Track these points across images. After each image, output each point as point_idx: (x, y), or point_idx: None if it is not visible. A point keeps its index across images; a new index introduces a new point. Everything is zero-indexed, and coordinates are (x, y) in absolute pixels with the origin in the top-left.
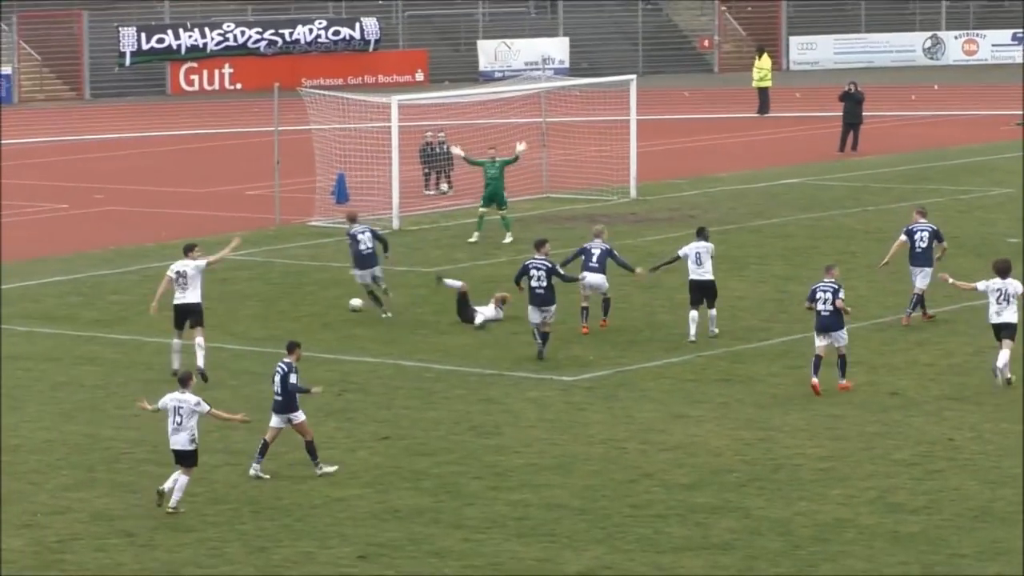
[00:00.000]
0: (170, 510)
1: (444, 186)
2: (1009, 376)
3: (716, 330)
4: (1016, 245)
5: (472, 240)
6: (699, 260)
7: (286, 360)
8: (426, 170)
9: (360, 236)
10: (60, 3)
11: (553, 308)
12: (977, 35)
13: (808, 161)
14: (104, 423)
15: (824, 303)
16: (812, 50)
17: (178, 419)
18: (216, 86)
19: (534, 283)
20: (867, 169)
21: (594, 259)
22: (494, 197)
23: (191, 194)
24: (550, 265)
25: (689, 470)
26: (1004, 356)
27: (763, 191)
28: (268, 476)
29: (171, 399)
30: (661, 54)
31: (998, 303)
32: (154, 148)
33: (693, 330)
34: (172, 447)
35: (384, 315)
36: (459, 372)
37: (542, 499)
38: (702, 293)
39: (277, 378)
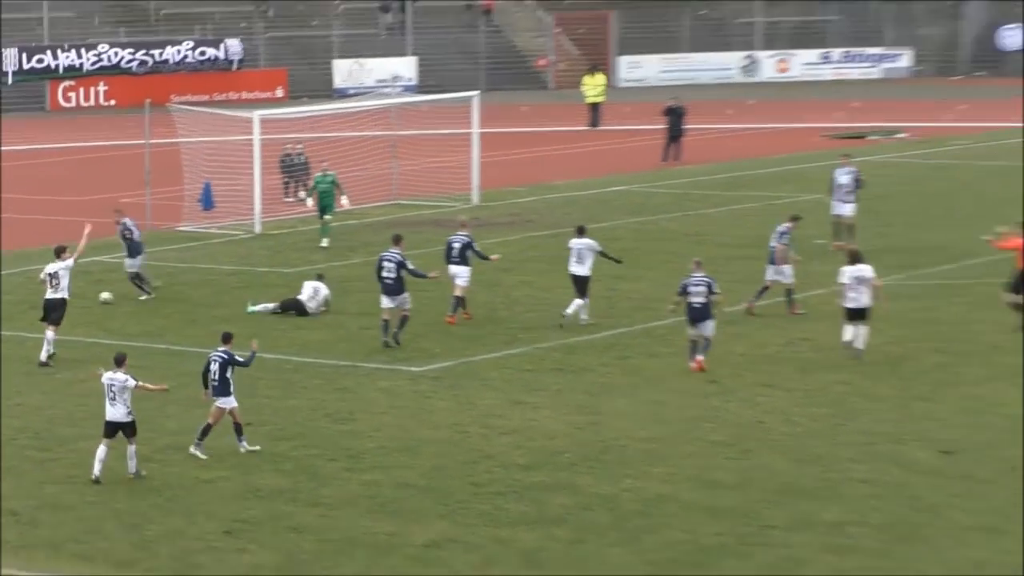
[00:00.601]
0: (131, 475)
1: (302, 194)
2: (862, 349)
3: (586, 318)
4: (823, 245)
5: (323, 245)
6: (580, 256)
7: (222, 349)
8: (285, 179)
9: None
10: None
11: (403, 296)
12: (789, 54)
13: (635, 170)
14: None
15: (696, 296)
16: (639, 68)
17: (112, 394)
18: (92, 102)
19: (385, 274)
20: (689, 177)
21: (455, 252)
22: (325, 207)
23: (70, 202)
24: (400, 259)
25: (526, 452)
26: (862, 335)
27: (594, 198)
28: (206, 457)
29: (107, 377)
30: (501, 72)
31: (854, 289)
32: (35, 160)
33: (570, 310)
34: (109, 419)
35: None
36: (316, 364)
37: (392, 479)
38: (577, 285)
39: (215, 366)
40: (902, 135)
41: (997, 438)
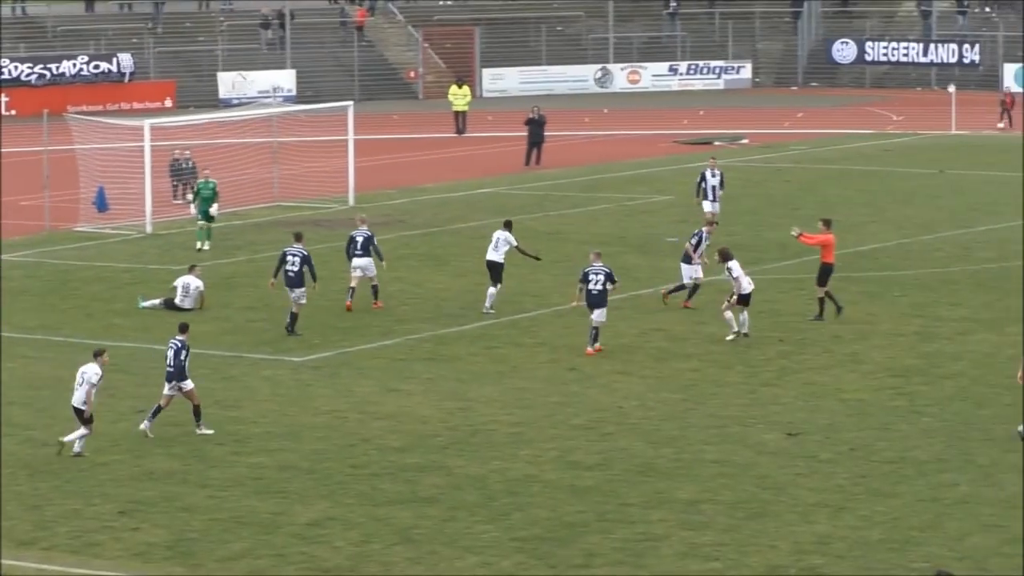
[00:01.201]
0: (74, 454)
1: (190, 196)
2: (747, 331)
3: (491, 308)
4: (674, 244)
5: (203, 248)
6: (496, 245)
7: (179, 338)
8: (174, 183)
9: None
10: None
11: (301, 291)
12: (640, 67)
13: (500, 174)
14: None
15: (595, 283)
16: (501, 80)
17: (80, 380)
18: None
19: (288, 267)
20: (549, 180)
21: (359, 245)
22: (206, 211)
23: None
24: (305, 254)
25: (400, 435)
26: (745, 317)
27: (462, 199)
28: (153, 436)
29: (84, 366)
30: (374, 83)
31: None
32: None
33: (488, 303)
34: (72, 403)
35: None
36: (205, 354)
37: (276, 462)
38: (492, 271)
39: (171, 352)
40: (744, 141)
41: (837, 421)
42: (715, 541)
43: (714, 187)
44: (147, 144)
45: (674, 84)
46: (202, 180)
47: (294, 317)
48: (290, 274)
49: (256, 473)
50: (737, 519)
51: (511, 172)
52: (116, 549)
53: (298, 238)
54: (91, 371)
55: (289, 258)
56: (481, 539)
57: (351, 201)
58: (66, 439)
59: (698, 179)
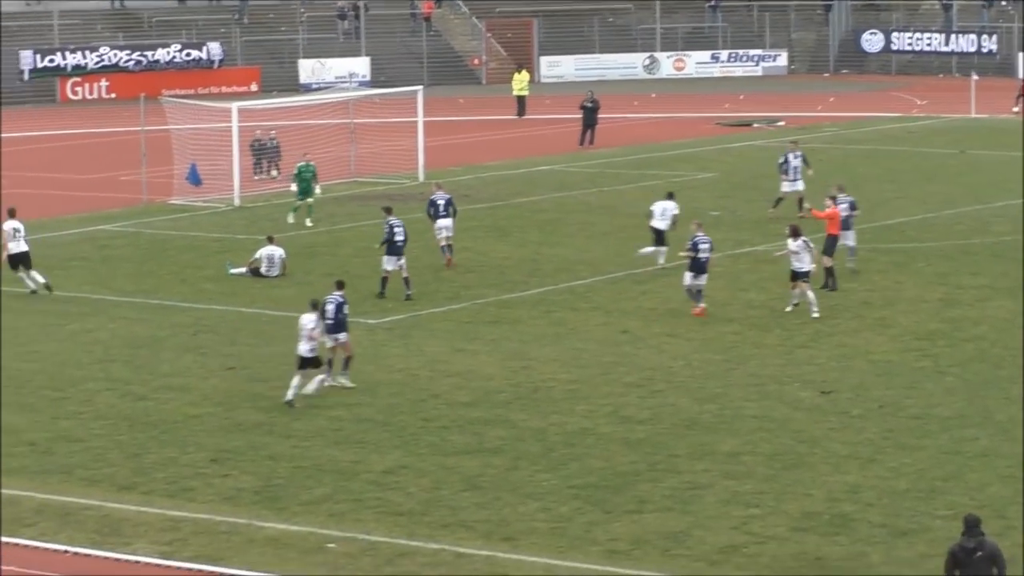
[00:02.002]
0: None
1: (275, 172)
2: (815, 312)
3: (663, 263)
4: (719, 216)
5: (308, 225)
6: (663, 213)
7: (337, 293)
8: (255, 160)
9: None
10: None
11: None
12: (684, 55)
13: (556, 153)
14: (11, 357)
15: (704, 251)
16: (558, 67)
17: (304, 333)
18: (96, 96)
19: (398, 237)
20: (601, 159)
21: (441, 208)
22: (307, 191)
23: (77, 179)
24: (401, 224)
25: (467, 391)
26: (811, 295)
27: (522, 176)
28: (340, 384)
29: (306, 319)
30: (441, 70)
31: (798, 256)
32: (47, 145)
33: (661, 260)
34: (299, 353)
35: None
36: (287, 317)
37: (353, 415)
38: (657, 236)
39: (331, 307)
40: (781, 123)
41: (867, 380)
42: (755, 489)
43: (796, 168)
44: (235, 125)
45: (716, 71)
46: (303, 163)
47: (407, 281)
48: (398, 243)
49: (335, 425)
50: (775, 469)
51: (567, 152)
52: (208, 494)
53: (388, 212)
54: (307, 320)
55: (396, 229)
56: (542, 486)
57: (421, 177)
58: (308, 390)
59: (780, 160)
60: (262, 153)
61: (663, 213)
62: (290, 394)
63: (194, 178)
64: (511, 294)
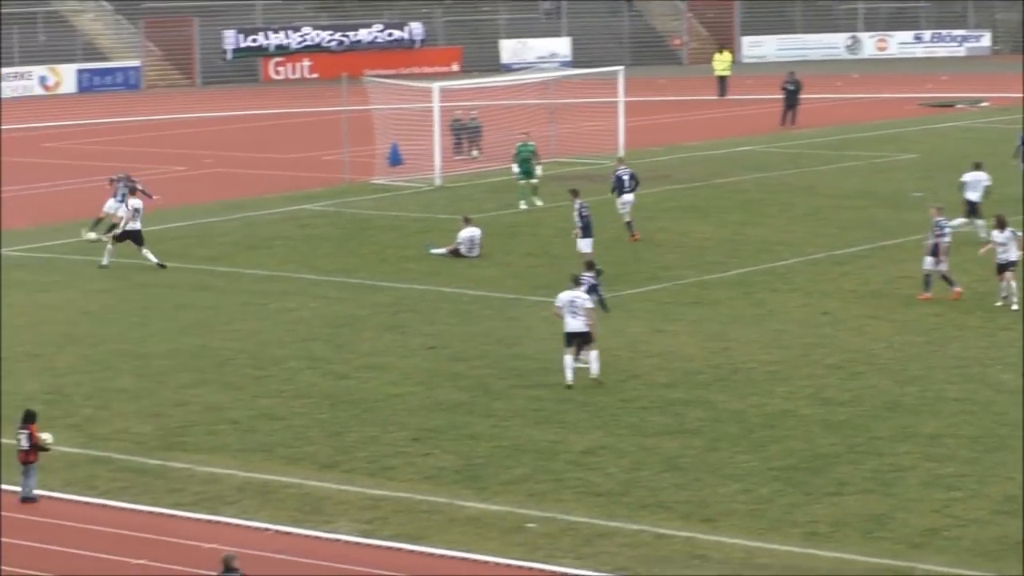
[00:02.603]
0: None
1: (475, 152)
2: (1015, 304)
3: (984, 235)
4: (920, 198)
5: (524, 207)
6: (975, 186)
7: (587, 275)
8: (456, 140)
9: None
10: (177, 12)
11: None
12: (887, 35)
13: (757, 133)
14: (214, 336)
15: (944, 237)
16: (760, 47)
17: (573, 309)
18: (298, 75)
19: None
20: (803, 139)
21: (626, 183)
22: (528, 171)
23: (280, 159)
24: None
25: (667, 372)
26: (1013, 285)
27: (723, 156)
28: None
29: (567, 295)
30: (642, 50)
31: (1005, 248)
32: (250, 124)
33: (983, 234)
34: (567, 330)
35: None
36: (488, 297)
37: (552, 394)
38: (971, 207)
39: (584, 288)
40: (984, 104)
41: None
42: (956, 472)
43: None
44: (436, 105)
45: (919, 51)
46: (521, 142)
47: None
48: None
49: (535, 405)
50: (977, 452)
51: (768, 132)
52: (409, 472)
53: (575, 194)
54: (580, 299)
55: (585, 212)
56: (741, 468)
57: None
58: (594, 371)
59: (1020, 142)
60: (462, 133)
61: (976, 184)
62: (569, 375)
63: (395, 158)
64: (711, 275)
